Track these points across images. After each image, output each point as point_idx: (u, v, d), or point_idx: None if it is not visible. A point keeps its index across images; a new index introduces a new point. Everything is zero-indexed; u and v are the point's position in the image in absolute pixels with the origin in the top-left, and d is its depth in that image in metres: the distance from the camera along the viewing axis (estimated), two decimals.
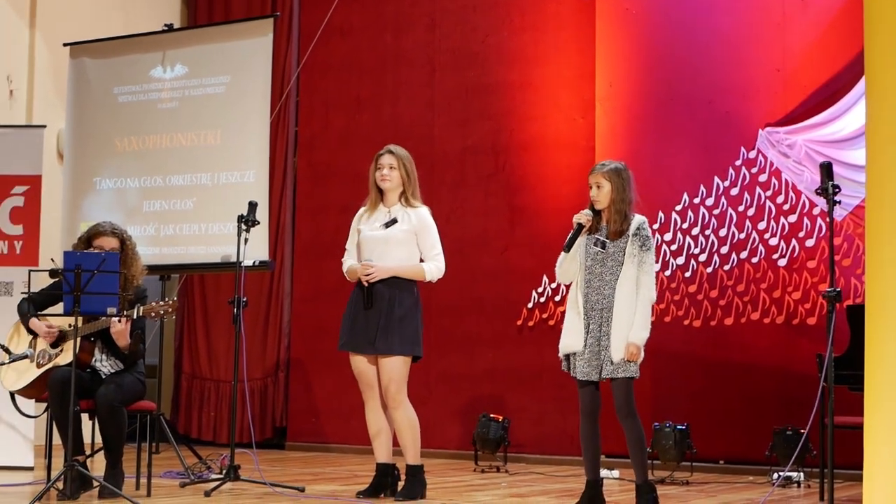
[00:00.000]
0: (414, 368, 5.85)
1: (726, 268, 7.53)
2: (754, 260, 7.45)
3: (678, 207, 7.70)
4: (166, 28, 8.25)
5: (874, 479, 4.32)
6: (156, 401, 7.15)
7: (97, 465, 6.19)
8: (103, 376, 5.75)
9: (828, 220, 5.75)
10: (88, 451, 6.11)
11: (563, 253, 5.43)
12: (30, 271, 5.71)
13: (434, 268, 5.88)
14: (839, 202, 5.80)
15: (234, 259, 6.59)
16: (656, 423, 7.11)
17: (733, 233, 7.52)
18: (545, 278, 8.08)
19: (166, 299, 5.79)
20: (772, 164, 7.44)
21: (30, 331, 5.85)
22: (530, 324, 8.21)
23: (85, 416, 5.77)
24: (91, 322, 5.64)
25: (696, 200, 7.66)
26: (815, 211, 7.27)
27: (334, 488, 6.36)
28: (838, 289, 5.65)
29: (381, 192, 5.93)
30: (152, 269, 6.52)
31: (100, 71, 8.15)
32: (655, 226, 7.64)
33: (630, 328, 5.25)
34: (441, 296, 8.03)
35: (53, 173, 8.35)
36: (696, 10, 7.78)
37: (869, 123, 4.56)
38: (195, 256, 7.73)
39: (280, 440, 9.16)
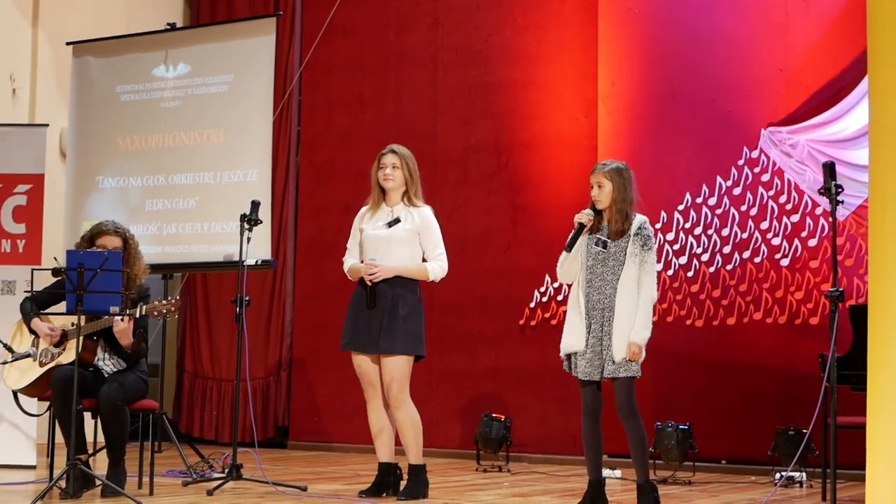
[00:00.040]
0: (416, 367, 5.85)
1: (729, 267, 7.53)
2: (757, 260, 7.45)
3: (680, 207, 7.70)
4: (169, 27, 8.25)
5: (876, 480, 4.32)
6: (158, 400, 7.17)
7: (100, 464, 6.20)
8: (106, 375, 5.75)
9: (830, 219, 5.76)
10: (91, 450, 6.11)
11: (564, 252, 5.43)
12: (32, 270, 5.73)
13: (437, 267, 5.88)
14: (842, 202, 5.80)
15: (236, 258, 6.59)
16: (658, 423, 7.11)
17: (736, 232, 7.52)
18: (547, 277, 8.08)
19: (169, 298, 5.79)
20: (774, 163, 7.43)
21: (32, 331, 5.85)
22: (532, 323, 8.21)
23: (87, 415, 5.77)
24: (94, 321, 5.65)
25: (699, 200, 7.65)
26: (818, 211, 7.27)
27: (336, 487, 6.36)
28: (841, 289, 5.65)
29: (383, 191, 5.93)
30: (155, 268, 6.51)
31: (102, 70, 8.15)
32: (658, 225, 7.64)
33: (631, 328, 5.25)
34: (443, 294, 8.04)
35: (56, 172, 8.36)
36: (699, 10, 7.78)
37: (872, 123, 4.56)
38: (198, 255, 7.73)
39: (282, 439, 9.16)
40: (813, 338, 7.08)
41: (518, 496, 6.23)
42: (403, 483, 5.87)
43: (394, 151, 5.91)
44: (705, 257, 7.61)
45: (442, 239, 5.93)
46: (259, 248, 7.15)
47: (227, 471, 6.28)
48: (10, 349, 5.95)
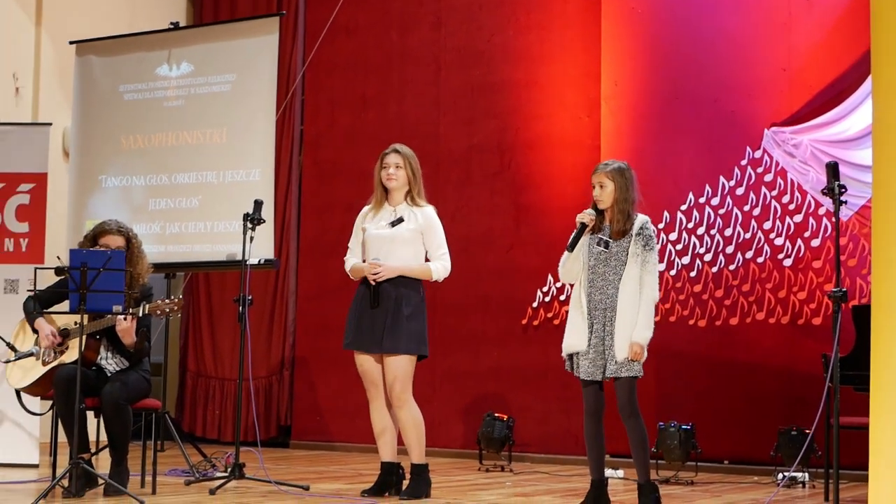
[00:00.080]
0: (419, 367, 5.86)
1: (731, 267, 7.52)
2: (760, 260, 7.44)
3: (683, 207, 7.69)
4: (172, 26, 8.25)
5: (879, 480, 4.32)
6: (161, 399, 7.16)
7: (102, 463, 6.20)
8: (108, 374, 5.76)
9: (833, 220, 5.75)
10: (94, 449, 6.11)
11: (566, 252, 5.43)
12: (35, 269, 5.72)
13: (441, 267, 5.88)
14: (845, 202, 5.80)
15: (239, 257, 6.59)
16: (661, 423, 7.11)
17: (738, 232, 7.52)
18: (550, 277, 8.08)
19: (172, 297, 5.80)
20: (777, 163, 7.43)
21: (35, 330, 5.86)
22: (535, 323, 8.21)
23: (90, 414, 5.79)
24: (97, 320, 5.65)
25: (702, 200, 7.65)
26: (821, 211, 7.26)
27: (339, 487, 6.37)
28: (844, 289, 5.65)
29: (386, 190, 5.93)
30: (158, 267, 6.52)
31: (105, 69, 8.16)
32: (661, 225, 7.64)
33: (633, 328, 5.25)
34: (446, 294, 8.04)
35: (59, 171, 8.36)
36: (702, 9, 7.77)
37: (875, 123, 4.56)
38: (200, 254, 7.74)
39: (285, 438, 9.16)
40: (816, 338, 7.07)
41: (520, 496, 6.23)
42: (406, 483, 5.87)
43: (397, 151, 5.91)
44: (708, 257, 7.60)
45: (445, 239, 5.93)
46: (262, 247, 7.15)
47: (229, 470, 6.28)
48: (13, 348, 5.95)
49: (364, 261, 5.89)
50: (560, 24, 8.32)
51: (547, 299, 8.17)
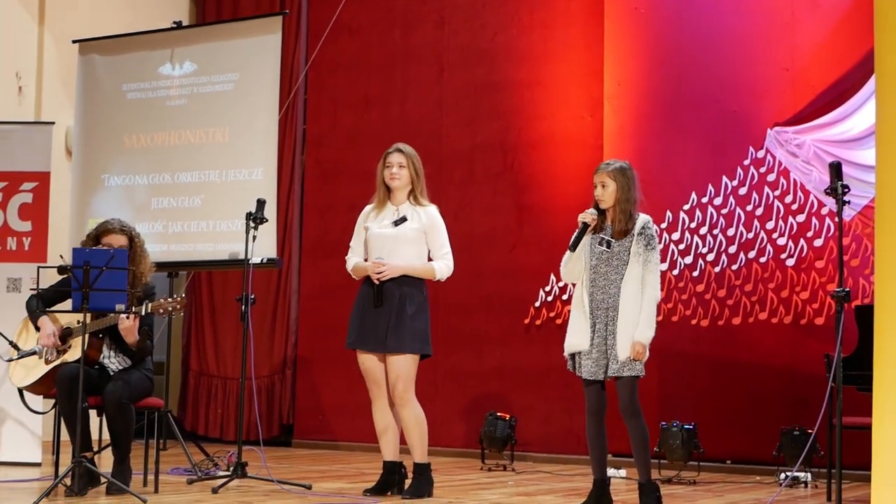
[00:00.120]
0: (421, 366, 5.85)
1: (734, 267, 7.52)
2: (762, 259, 7.44)
3: (686, 207, 7.69)
4: (175, 25, 8.25)
5: (882, 480, 4.32)
6: (163, 398, 7.17)
7: (105, 462, 6.20)
8: (111, 373, 5.76)
9: (836, 219, 5.75)
10: (96, 448, 6.11)
11: (568, 252, 5.43)
12: (38, 268, 5.72)
13: (444, 266, 5.88)
14: (848, 202, 5.79)
15: (241, 256, 6.60)
16: (663, 423, 7.10)
17: (741, 232, 7.51)
18: (553, 277, 8.08)
19: (174, 296, 5.79)
20: (780, 163, 7.43)
21: (38, 328, 5.86)
22: (538, 322, 8.21)
23: (93, 413, 5.79)
24: (99, 319, 5.66)
25: (705, 200, 7.65)
26: (824, 211, 7.26)
27: (341, 486, 6.37)
28: (847, 289, 5.64)
29: (388, 190, 5.93)
30: (160, 266, 6.52)
31: (108, 68, 8.16)
32: (663, 225, 7.64)
33: (635, 327, 5.25)
34: (449, 294, 8.04)
35: (62, 170, 8.37)
36: (705, 9, 7.77)
37: (879, 123, 4.56)
38: (203, 253, 7.74)
39: (287, 437, 9.17)
40: (818, 338, 7.07)
41: (522, 495, 6.23)
42: (408, 482, 5.87)
43: (400, 150, 5.91)
44: (711, 257, 7.60)
45: (448, 238, 5.93)
46: (264, 246, 7.15)
47: (231, 469, 6.29)
48: (16, 346, 5.95)
49: (367, 260, 5.89)
50: (563, 23, 8.32)
51: (549, 299, 8.17)
